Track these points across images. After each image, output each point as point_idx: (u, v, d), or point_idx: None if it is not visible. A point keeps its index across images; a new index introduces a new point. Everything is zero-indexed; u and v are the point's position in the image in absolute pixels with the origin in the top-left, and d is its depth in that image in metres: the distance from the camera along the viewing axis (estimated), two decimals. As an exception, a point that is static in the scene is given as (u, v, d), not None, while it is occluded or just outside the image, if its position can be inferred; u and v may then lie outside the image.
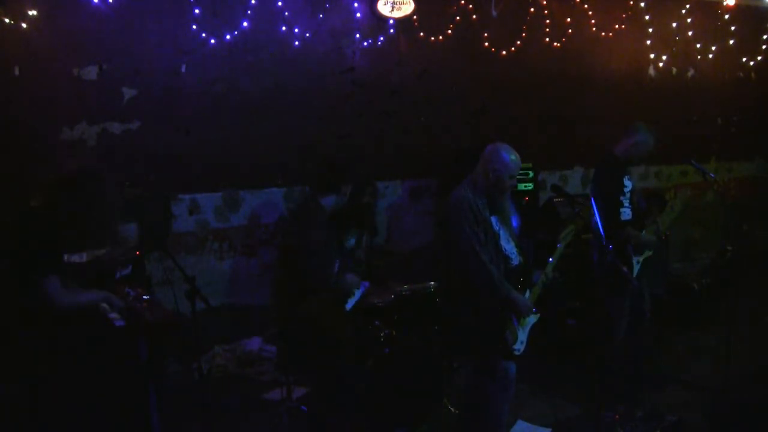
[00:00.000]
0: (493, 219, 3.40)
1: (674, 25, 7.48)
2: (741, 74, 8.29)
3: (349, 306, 3.77)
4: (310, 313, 3.49)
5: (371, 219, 5.28)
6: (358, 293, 3.85)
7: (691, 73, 7.91)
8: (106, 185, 3.18)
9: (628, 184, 4.38)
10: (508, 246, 3.44)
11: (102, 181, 3.17)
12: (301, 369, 4.11)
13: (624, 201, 4.32)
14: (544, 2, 6.56)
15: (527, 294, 3.42)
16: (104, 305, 3.22)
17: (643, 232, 4.43)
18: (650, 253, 4.45)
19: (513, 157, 3.38)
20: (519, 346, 3.38)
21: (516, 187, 3.55)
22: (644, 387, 4.54)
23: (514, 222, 3.62)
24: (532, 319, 3.46)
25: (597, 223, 3.84)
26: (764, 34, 8.25)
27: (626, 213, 4.33)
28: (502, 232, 3.42)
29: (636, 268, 4.40)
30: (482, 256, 3.22)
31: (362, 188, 4.83)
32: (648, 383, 4.64)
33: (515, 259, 3.45)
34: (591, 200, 3.83)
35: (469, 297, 3.31)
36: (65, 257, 3.30)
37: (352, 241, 4.34)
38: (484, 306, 3.29)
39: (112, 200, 3.21)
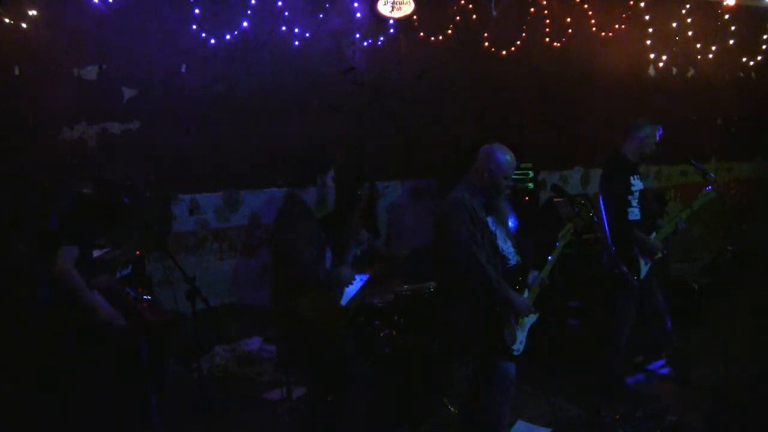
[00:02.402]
0: (490, 219, 3.40)
1: (674, 25, 7.48)
2: (741, 74, 8.29)
3: (344, 301, 3.74)
4: (304, 311, 3.48)
5: (373, 220, 5.28)
6: (353, 287, 3.81)
7: (691, 73, 7.92)
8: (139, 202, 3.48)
9: (635, 183, 4.34)
10: (505, 246, 3.44)
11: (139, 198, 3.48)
12: (301, 368, 4.10)
13: (632, 200, 4.29)
14: (544, 2, 6.56)
15: (526, 294, 3.42)
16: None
17: (654, 234, 4.40)
18: (661, 255, 4.41)
19: (508, 157, 3.39)
20: (518, 347, 3.37)
21: (512, 187, 3.54)
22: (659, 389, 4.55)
23: (512, 222, 3.62)
24: (531, 319, 3.45)
25: (604, 222, 3.83)
26: (764, 34, 8.25)
27: (634, 213, 4.31)
28: (498, 232, 3.43)
29: (644, 270, 4.36)
30: (479, 256, 3.22)
31: (358, 185, 4.81)
32: (648, 383, 4.64)
33: (513, 259, 3.45)
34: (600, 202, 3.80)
35: (468, 297, 3.31)
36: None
37: (350, 237, 4.34)
38: (482, 306, 3.29)
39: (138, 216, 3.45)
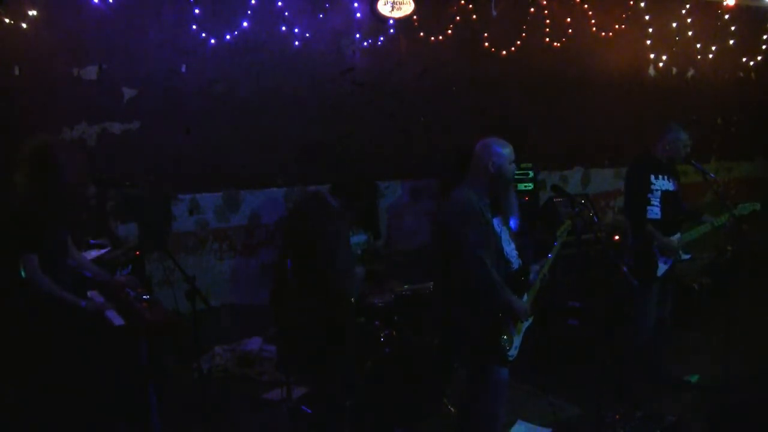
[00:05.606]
0: (495, 221, 3.35)
1: (674, 25, 7.48)
2: (741, 74, 8.28)
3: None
4: (341, 316, 3.47)
5: (376, 222, 5.28)
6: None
7: (691, 73, 7.91)
8: (70, 157, 3.19)
9: (658, 183, 4.36)
10: (509, 248, 3.38)
11: (62, 152, 3.18)
12: (302, 369, 4.10)
13: (652, 199, 4.32)
14: (544, 2, 6.56)
15: (525, 297, 3.40)
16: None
17: (678, 234, 4.41)
18: (687, 257, 4.45)
19: (507, 149, 3.36)
20: (513, 352, 3.33)
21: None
22: (658, 390, 4.54)
23: (513, 222, 3.60)
24: (527, 323, 3.43)
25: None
26: (764, 34, 8.24)
27: (653, 212, 4.33)
28: (503, 234, 3.38)
29: (662, 269, 4.37)
30: (486, 260, 3.17)
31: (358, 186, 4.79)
32: (649, 383, 4.64)
33: (515, 263, 3.39)
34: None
35: (469, 301, 3.28)
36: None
37: (357, 239, 4.35)
38: (483, 310, 3.26)
39: (78, 171, 3.20)
